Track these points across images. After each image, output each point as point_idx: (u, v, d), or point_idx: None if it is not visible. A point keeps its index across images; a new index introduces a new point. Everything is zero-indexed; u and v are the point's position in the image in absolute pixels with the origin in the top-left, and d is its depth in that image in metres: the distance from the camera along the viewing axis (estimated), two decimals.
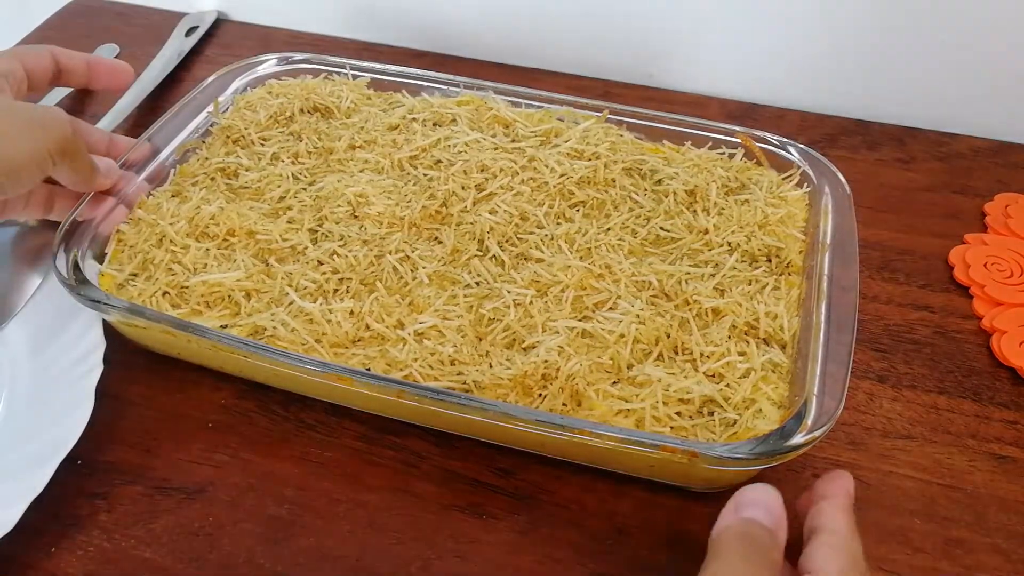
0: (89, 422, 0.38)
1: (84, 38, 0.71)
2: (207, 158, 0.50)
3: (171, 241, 0.44)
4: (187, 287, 0.42)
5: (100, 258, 0.44)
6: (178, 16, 0.72)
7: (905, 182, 0.57)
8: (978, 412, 0.43)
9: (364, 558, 0.37)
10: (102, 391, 0.40)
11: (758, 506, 0.31)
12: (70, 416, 0.39)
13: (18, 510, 0.35)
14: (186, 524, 0.38)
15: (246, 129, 0.51)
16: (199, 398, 0.43)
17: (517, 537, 0.38)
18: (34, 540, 0.37)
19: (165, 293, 0.42)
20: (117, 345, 0.45)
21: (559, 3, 0.64)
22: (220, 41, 0.71)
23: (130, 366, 0.44)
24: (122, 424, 0.42)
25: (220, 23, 0.73)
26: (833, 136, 0.61)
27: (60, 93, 0.62)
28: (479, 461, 0.40)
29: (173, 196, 0.48)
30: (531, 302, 0.41)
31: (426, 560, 0.37)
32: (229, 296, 0.42)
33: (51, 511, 0.38)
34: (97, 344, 0.42)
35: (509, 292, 0.41)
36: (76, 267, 0.42)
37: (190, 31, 0.70)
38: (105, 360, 0.41)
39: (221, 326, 0.41)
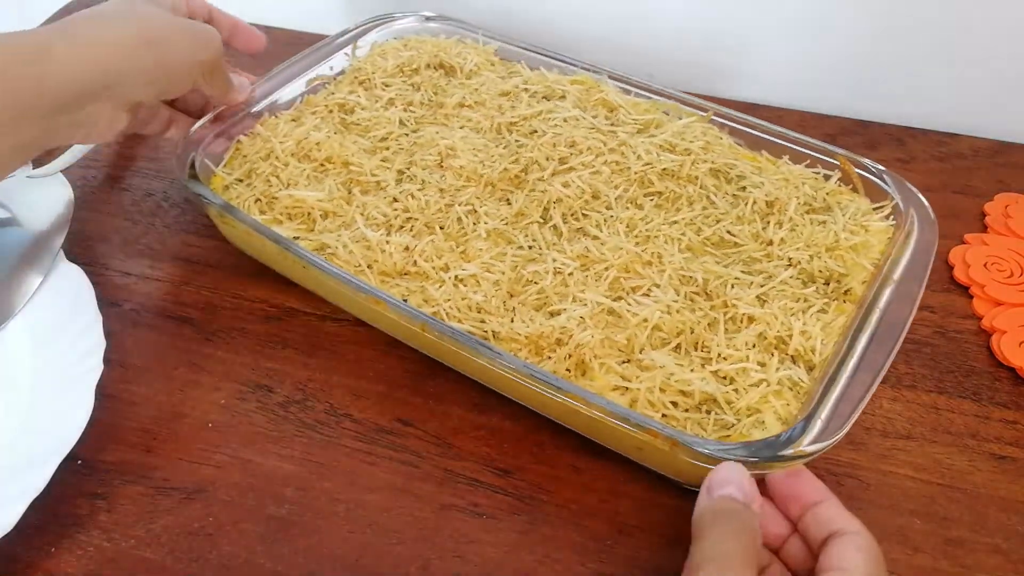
0: (89, 422, 0.38)
1: None
2: (332, 92, 0.55)
3: (276, 157, 0.49)
4: (276, 198, 0.47)
5: (219, 162, 0.50)
6: None
7: None
8: (978, 412, 0.43)
9: (364, 558, 0.37)
10: (102, 391, 0.40)
11: (729, 484, 0.32)
12: (70, 416, 0.39)
13: (18, 510, 0.35)
14: (186, 524, 0.38)
15: (373, 73, 0.56)
16: (199, 398, 0.43)
17: (517, 537, 0.38)
18: (34, 540, 0.37)
19: (257, 200, 0.48)
20: (117, 345, 0.45)
21: (558, 2, 0.64)
22: None
23: (130, 366, 0.45)
24: (122, 424, 0.42)
25: None
26: (833, 136, 0.61)
27: None
28: (479, 461, 0.40)
29: (292, 120, 0.53)
30: (571, 273, 0.42)
31: (426, 560, 0.37)
32: (308, 213, 0.47)
33: (51, 511, 0.38)
34: (97, 344, 0.42)
35: (554, 260, 0.43)
36: (192, 165, 0.47)
37: None
38: (105, 360, 0.41)
39: (294, 237, 0.45)
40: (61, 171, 0.53)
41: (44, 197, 0.51)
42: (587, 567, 0.36)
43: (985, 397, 0.44)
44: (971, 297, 0.49)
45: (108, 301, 0.47)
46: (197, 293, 0.49)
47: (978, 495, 0.39)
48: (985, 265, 0.50)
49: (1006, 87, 0.59)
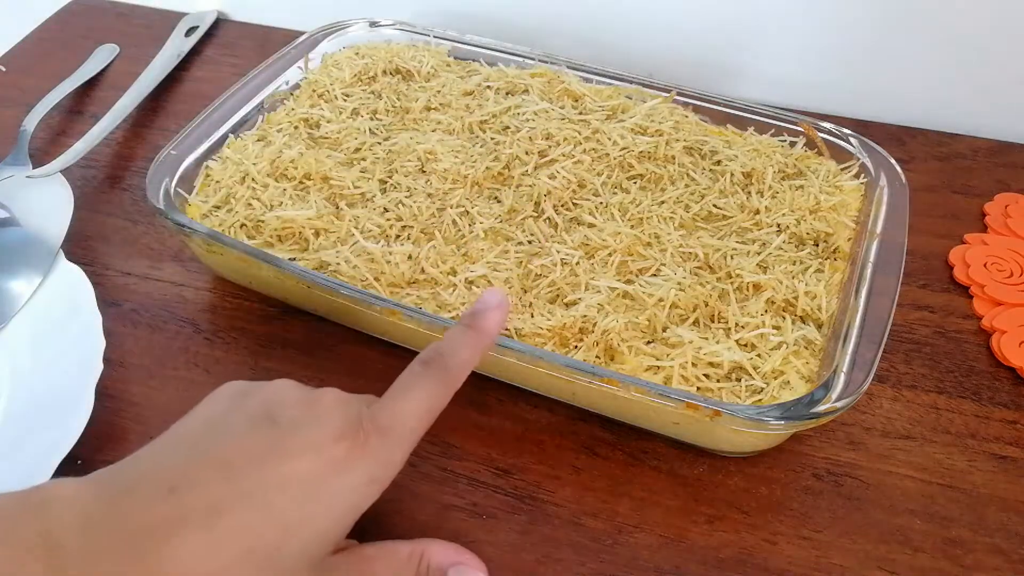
0: (89, 422, 0.38)
1: (84, 38, 0.70)
2: (293, 108, 0.54)
3: (252, 179, 0.48)
4: (263, 221, 0.45)
5: (188, 191, 0.48)
6: (178, 16, 0.72)
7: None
8: (978, 412, 0.43)
9: None
10: (102, 391, 0.39)
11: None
12: (70, 416, 0.38)
13: None
14: None
15: (331, 85, 0.55)
16: (199, 398, 0.43)
17: (517, 537, 0.37)
18: None
19: (243, 225, 0.46)
20: (117, 345, 0.44)
21: (556, 4, 0.64)
22: (220, 41, 0.71)
23: (130, 366, 0.44)
24: (122, 424, 0.42)
25: (220, 23, 0.73)
26: None
27: (60, 93, 0.62)
28: (479, 461, 0.40)
29: (259, 140, 0.51)
30: (578, 262, 0.43)
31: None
32: (300, 232, 0.45)
33: None
34: (97, 344, 0.41)
35: (558, 251, 0.43)
36: (167, 195, 0.45)
37: (190, 31, 0.70)
38: (105, 360, 0.41)
39: (290, 258, 0.44)
40: (61, 171, 0.52)
41: (44, 197, 0.51)
42: (587, 567, 0.36)
43: (985, 397, 0.43)
44: (971, 297, 0.49)
45: (108, 301, 0.47)
46: (197, 293, 0.48)
47: (978, 495, 0.39)
48: (985, 265, 0.50)
49: (1006, 87, 0.59)
